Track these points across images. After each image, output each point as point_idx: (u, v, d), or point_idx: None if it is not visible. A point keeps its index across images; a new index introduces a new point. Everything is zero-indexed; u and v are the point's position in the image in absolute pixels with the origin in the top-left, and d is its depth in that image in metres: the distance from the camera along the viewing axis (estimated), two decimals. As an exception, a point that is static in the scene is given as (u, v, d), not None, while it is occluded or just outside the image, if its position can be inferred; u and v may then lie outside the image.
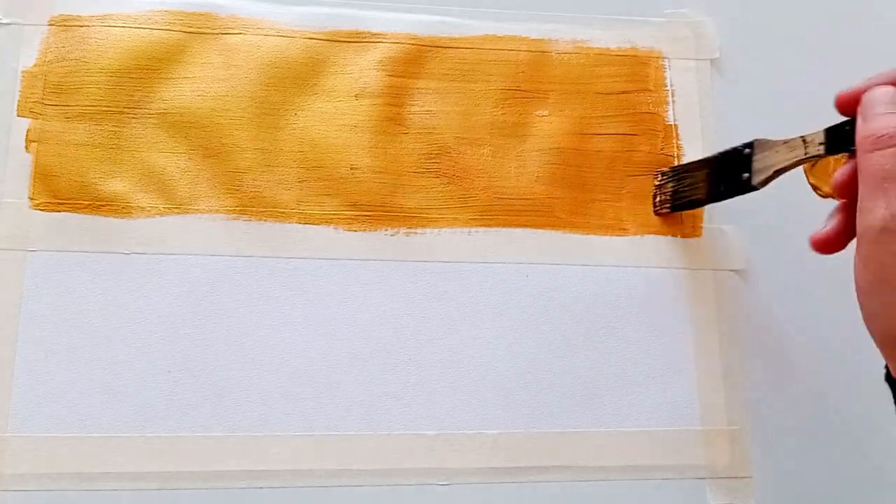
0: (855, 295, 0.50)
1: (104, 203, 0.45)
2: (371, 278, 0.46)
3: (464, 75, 0.50)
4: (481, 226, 0.48)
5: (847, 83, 0.54)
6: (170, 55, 0.48)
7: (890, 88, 0.34)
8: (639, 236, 0.49)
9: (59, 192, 0.45)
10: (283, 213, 0.47)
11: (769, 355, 0.48)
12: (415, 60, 0.50)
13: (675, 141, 0.51)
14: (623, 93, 0.52)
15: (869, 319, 0.33)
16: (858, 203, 0.33)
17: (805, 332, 0.49)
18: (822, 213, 0.51)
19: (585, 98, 0.51)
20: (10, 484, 0.41)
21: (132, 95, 0.47)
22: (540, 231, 0.48)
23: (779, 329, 0.49)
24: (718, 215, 0.50)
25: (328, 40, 0.50)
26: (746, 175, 0.44)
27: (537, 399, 0.46)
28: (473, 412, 0.45)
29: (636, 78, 0.52)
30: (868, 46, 0.55)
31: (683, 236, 0.49)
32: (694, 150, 0.51)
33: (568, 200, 0.49)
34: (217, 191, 0.46)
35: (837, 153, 0.39)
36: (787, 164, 0.42)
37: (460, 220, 0.48)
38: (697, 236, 0.50)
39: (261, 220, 0.46)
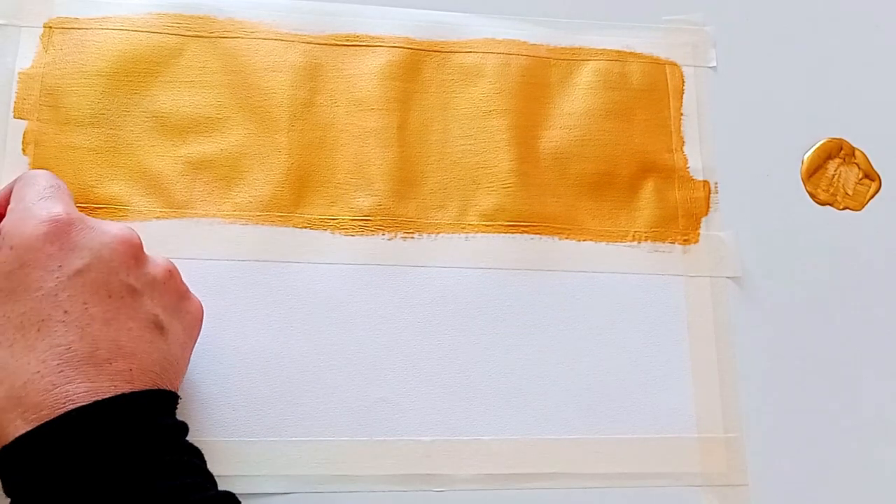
0: (847, 301, 0.50)
1: (101, 205, 0.45)
2: (368, 283, 0.46)
3: (463, 79, 0.50)
4: (478, 231, 0.48)
5: (845, 89, 0.54)
6: (167, 58, 0.48)
7: None
8: (636, 243, 0.49)
9: (55, 194, 0.45)
10: (281, 217, 0.46)
11: (765, 363, 0.48)
12: (413, 65, 0.50)
13: (675, 146, 0.51)
14: (621, 99, 0.52)
15: None
16: None
17: (801, 339, 0.49)
18: (819, 220, 0.52)
19: (582, 103, 0.51)
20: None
21: (129, 98, 0.47)
22: (537, 237, 0.48)
23: (775, 336, 0.49)
24: (715, 223, 0.50)
25: (326, 44, 0.50)
26: None
27: (533, 405, 0.46)
28: (469, 418, 0.45)
29: (635, 84, 0.52)
30: (865, 53, 0.55)
31: (680, 243, 0.49)
32: (693, 156, 0.51)
33: (565, 207, 0.49)
34: (214, 195, 0.46)
35: None
36: None
37: (458, 226, 0.48)
38: (694, 243, 0.50)
39: (258, 224, 0.46)
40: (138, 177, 0.46)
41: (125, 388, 0.33)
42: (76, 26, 0.47)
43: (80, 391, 0.32)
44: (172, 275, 0.38)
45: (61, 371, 0.33)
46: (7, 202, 0.38)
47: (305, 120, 0.48)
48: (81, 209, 0.44)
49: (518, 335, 0.47)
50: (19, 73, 0.46)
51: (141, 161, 0.46)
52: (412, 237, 0.47)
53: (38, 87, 0.46)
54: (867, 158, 0.53)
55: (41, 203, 0.35)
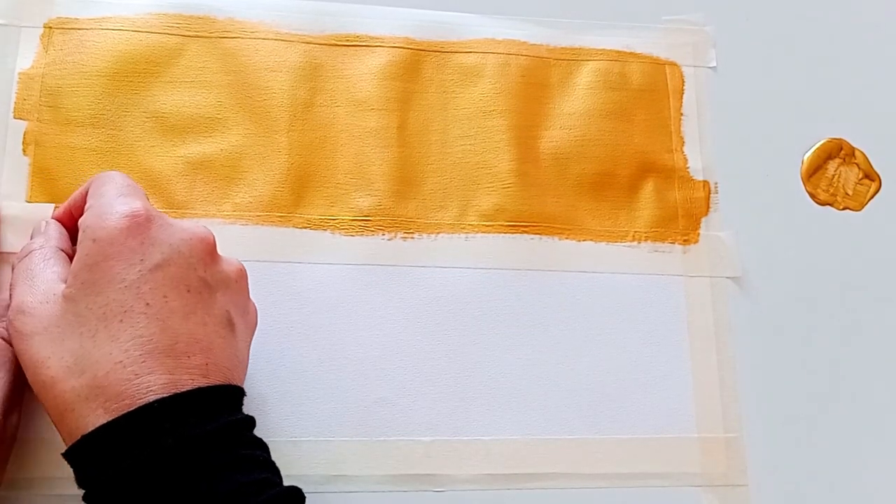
0: (847, 301, 0.50)
1: (101, 206, 0.45)
2: (367, 283, 0.46)
3: (463, 79, 0.50)
4: (478, 231, 0.48)
5: (845, 89, 0.54)
6: (167, 58, 0.48)
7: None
8: (636, 243, 0.49)
9: (56, 194, 0.45)
10: (281, 217, 0.46)
11: (765, 363, 0.49)
12: (413, 65, 0.50)
13: (675, 146, 0.51)
14: (621, 99, 0.52)
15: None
16: None
17: (801, 339, 0.49)
18: (819, 221, 0.52)
19: (582, 104, 0.51)
20: (14, 486, 0.41)
21: (129, 98, 0.47)
22: (537, 237, 0.48)
23: (775, 336, 0.49)
24: (715, 223, 0.50)
25: (326, 44, 0.50)
26: None
27: (533, 406, 0.46)
28: (469, 418, 0.45)
29: (635, 84, 0.52)
30: (865, 53, 0.55)
31: (680, 243, 0.49)
32: (693, 156, 0.51)
33: (565, 207, 0.49)
34: (214, 195, 0.46)
35: None
36: None
37: (458, 226, 0.48)
38: (694, 243, 0.50)
39: (258, 224, 0.46)
40: (138, 177, 0.46)
41: (201, 382, 0.34)
42: (76, 26, 0.47)
43: (161, 382, 0.33)
44: (243, 275, 0.39)
45: (143, 361, 0.33)
46: (83, 202, 0.38)
47: (305, 120, 0.48)
48: (81, 209, 0.44)
49: (518, 335, 0.47)
50: (19, 74, 0.46)
51: (141, 161, 0.46)
52: (412, 237, 0.47)
53: (39, 88, 0.46)
54: (867, 158, 0.53)
55: (121, 199, 0.36)
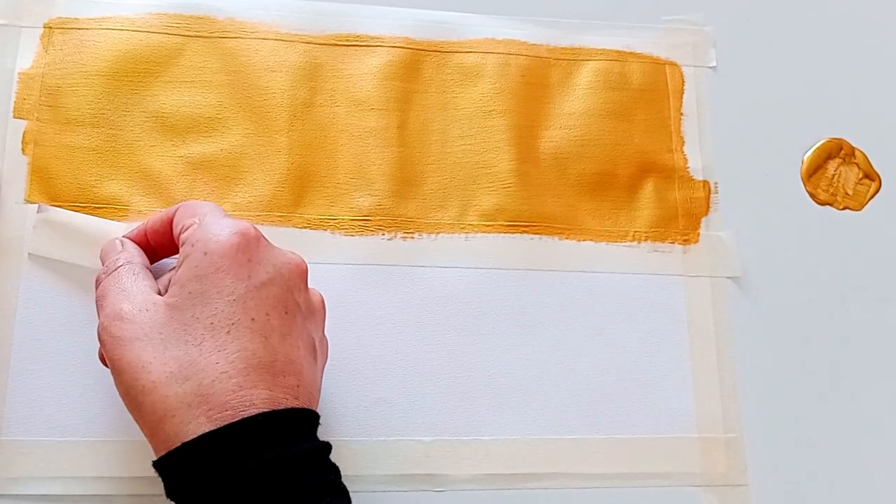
0: (847, 301, 0.50)
1: (101, 205, 0.45)
2: (368, 283, 0.46)
3: (463, 79, 0.50)
4: (478, 231, 0.48)
5: (845, 89, 0.54)
6: (167, 58, 0.48)
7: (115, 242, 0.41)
8: (636, 243, 0.49)
9: (55, 194, 0.45)
10: (281, 217, 0.46)
11: (765, 363, 0.49)
12: (413, 65, 0.50)
13: (675, 146, 0.51)
14: (621, 99, 0.52)
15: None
16: None
17: (801, 339, 0.49)
18: (819, 221, 0.52)
19: (582, 103, 0.51)
20: (4, 487, 0.41)
21: (129, 98, 0.47)
22: (537, 237, 0.48)
23: (775, 336, 0.49)
24: (715, 223, 0.50)
25: (326, 44, 0.50)
26: None
27: (533, 406, 0.46)
28: (469, 418, 0.45)
29: (635, 84, 0.52)
30: (865, 53, 0.55)
31: (680, 243, 0.49)
32: (693, 156, 0.51)
33: (565, 207, 0.49)
34: (214, 195, 0.46)
35: None
36: None
37: (457, 226, 0.48)
38: (694, 243, 0.50)
39: (258, 224, 0.46)
40: (138, 177, 0.46)
41: (293, 403, 0.34)
42: (76, 26, 0.47)
43: (262, 398, 0.33)
44: (324, 307, 0.40)
45: (247, 374, 0.34)
46: (163, 227, 0.40)
47: (305, 120, 0.48)
48: (81, 209, 0.45)
49: (518, 335, 0.47)
50: (19, 73, 0.46)
51: (141, 161, 0.46)
52: (412, 237, 0.47)
53: (38, 87, 0.46)
54: (867, 158, 0.53)
55: (227, 219, 0.37)
